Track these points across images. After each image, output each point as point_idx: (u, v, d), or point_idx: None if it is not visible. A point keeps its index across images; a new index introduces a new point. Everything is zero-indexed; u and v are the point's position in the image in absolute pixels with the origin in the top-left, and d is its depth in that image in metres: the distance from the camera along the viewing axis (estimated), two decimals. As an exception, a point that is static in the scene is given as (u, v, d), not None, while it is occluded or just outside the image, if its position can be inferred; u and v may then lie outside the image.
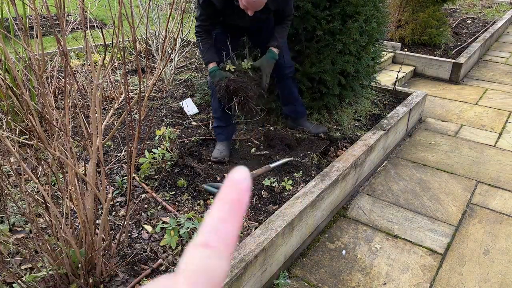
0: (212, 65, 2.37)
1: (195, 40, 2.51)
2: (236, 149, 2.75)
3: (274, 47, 2.44)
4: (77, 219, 1.94)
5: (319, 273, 2.00)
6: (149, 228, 1.97)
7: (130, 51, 4.60)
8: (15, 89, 1.42)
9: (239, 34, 2.64)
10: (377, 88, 3.78)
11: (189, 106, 3.16)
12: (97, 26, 1.85)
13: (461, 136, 3.47)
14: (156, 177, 2.34)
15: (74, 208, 1.46)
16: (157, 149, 2.38)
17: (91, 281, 1.57)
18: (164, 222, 2.00)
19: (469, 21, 7.35)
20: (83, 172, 1.54)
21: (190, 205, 2.15)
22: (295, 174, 2.42)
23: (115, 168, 2.47)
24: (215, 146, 2.65)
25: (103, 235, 1.58)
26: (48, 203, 1.42)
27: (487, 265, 2.08)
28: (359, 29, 2.83)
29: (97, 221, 1.66)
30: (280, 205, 2.16)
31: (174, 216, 2.04)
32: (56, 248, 1.56)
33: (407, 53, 5.10)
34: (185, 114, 3.16)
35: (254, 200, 2.21)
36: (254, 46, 2.72)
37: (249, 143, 2.81)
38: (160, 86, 3.82)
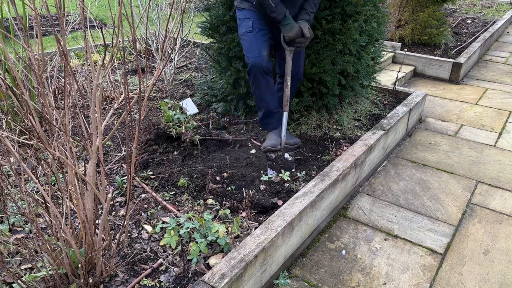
0: (287, 15, 2.39)
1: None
2: (235, 150, 2.75)
3: (306, 20, 2.48)
4: (77, 219, 1.94)
5: (319, 273, 2.00)
6: (149, 228, 1.98)
7: (130, 51, 4.60)
8: (15, 89, 1.42)
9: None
10: (377, 88, 3.78)
11: (189, 106, 3.16)
12: (97, 26, 1.85)
13: (461, 136, 3.47)
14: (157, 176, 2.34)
15: (74, 208, 1.46)
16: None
17: (91, 281, 1.57)
18: (164, 222, 2.00)
19: (469, 21, 7.35)
20: (83, 172, 1.55)
21: (190, 205, 2.15)
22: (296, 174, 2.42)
23: (115, 168, 2.47)
24: (266, 137, 2.67)
25: (103, 235, 1.58)
26: (48, 203, 1.42)
27: (487, 265, 2.08)
28: (359, 29, 2.82)
29: (97, 221, 1.66)
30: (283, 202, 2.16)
31: (174, 216, 2.04)
32: (56, 248, 1.56)
33: (407, 53, 5.10)
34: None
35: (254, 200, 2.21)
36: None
37: (249, 144, 2.81)
38: (160, 86, 3.82)
